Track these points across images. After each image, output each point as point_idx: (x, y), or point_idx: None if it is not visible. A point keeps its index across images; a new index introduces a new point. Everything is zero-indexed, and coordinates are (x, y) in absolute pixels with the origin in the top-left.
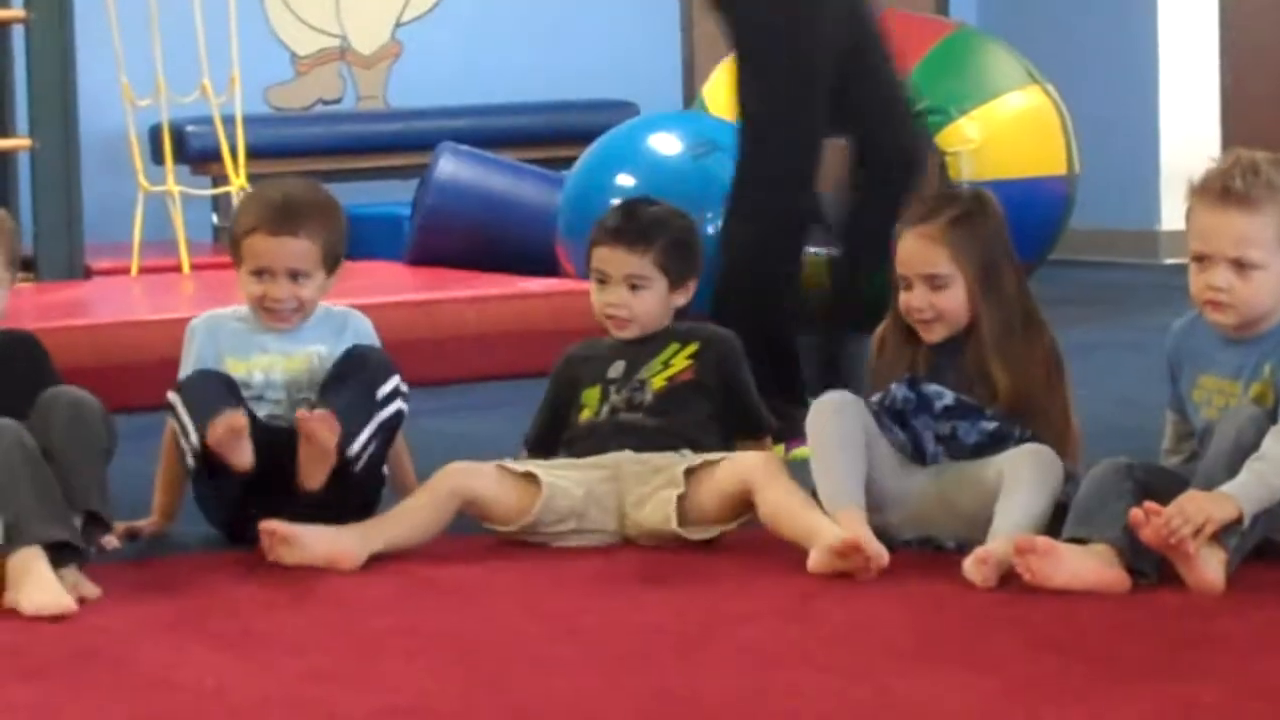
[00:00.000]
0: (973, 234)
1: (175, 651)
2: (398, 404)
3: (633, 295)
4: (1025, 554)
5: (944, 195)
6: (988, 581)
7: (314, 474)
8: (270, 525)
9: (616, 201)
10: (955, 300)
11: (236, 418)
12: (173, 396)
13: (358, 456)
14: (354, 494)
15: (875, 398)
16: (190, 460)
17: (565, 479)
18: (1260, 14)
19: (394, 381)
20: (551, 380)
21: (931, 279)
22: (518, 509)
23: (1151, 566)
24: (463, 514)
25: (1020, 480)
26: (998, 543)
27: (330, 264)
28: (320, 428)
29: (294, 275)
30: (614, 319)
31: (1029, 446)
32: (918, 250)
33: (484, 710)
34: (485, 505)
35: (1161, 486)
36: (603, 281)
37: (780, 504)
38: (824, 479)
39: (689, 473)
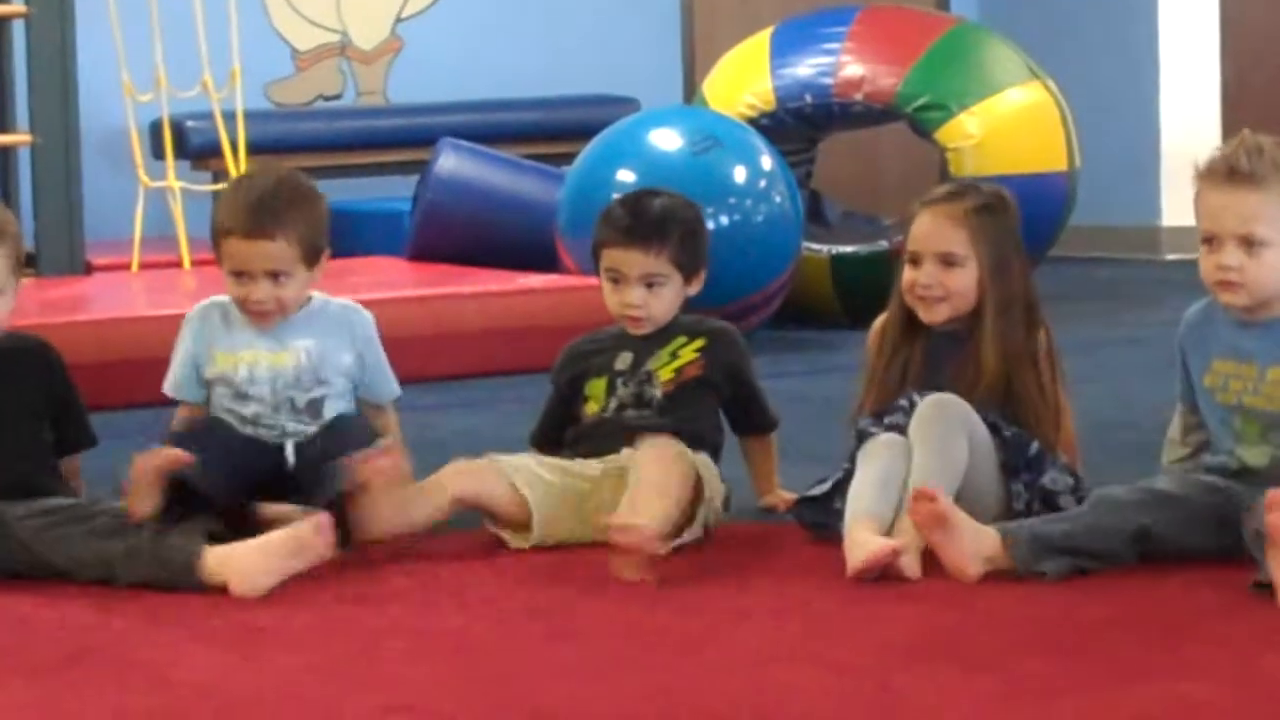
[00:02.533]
0: (992, 223)
1: (174, 649)
2: None
3: (649, 293)
4: (920, 500)
5: (969, 185)
6: (914, 572)
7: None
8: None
9: (618, 196)
10: (964, 282)
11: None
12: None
13: None
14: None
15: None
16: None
17: (557, 506)
18: (1261, 9)
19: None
20: (555, 376)
21: (945, 257)
22: (520, 516)
23: (1053, 571)
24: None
25: (921, 440)
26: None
27: (311, 259)
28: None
29: (273, 276)
30: (631, 318)
31: (926, 400)
32: (936, 228)
33: (483, 709)
34: (489, 507)
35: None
36: (616, 281)
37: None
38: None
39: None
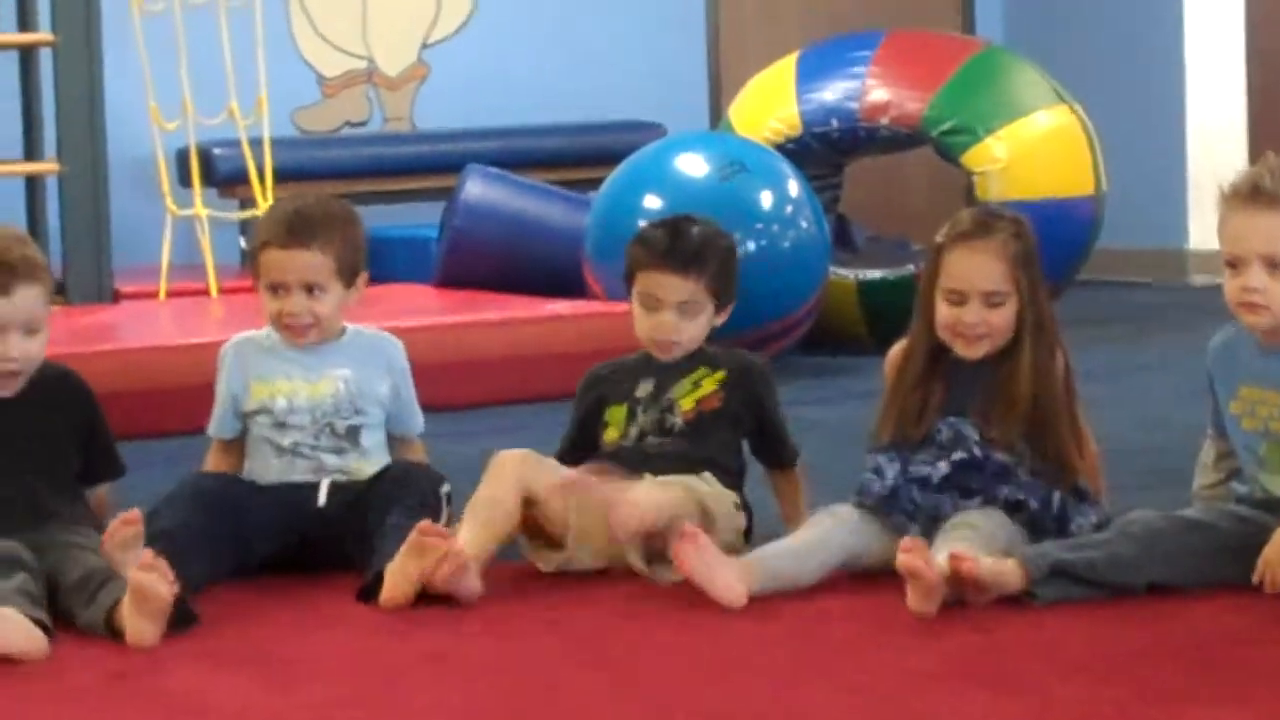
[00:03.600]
0: (1024, 253)
1: (205, 676)
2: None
3: (683, 320)
4: (956, 562)
5: (991, 213)
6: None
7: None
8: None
9: (644, 224)
10: (1008, 318)
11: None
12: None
13: None
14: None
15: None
16: None
17: (596, 518)
18: None
19: (445, 491)
20: (577, 401)
21: (990, 296)
22: (557, 527)
23: (1050, 594)
24: None
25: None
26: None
27: (347, 277)
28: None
29: (309, 289)
30: (662, 343)
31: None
32: (979, 267)
33: None
34: (537, 501)
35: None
36: (650, 305)
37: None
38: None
39: None
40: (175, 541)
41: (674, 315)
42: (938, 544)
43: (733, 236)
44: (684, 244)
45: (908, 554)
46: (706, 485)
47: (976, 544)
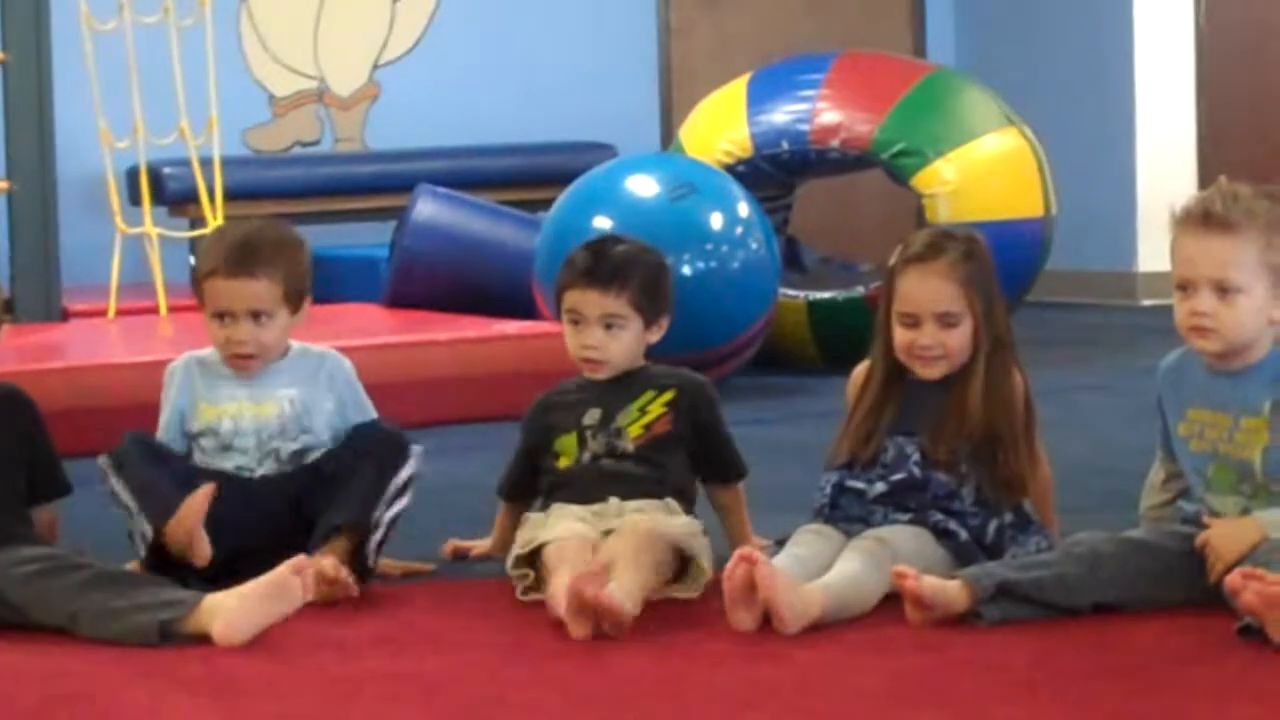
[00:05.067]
0: (977, 272)
1: (152, 696)
2: (406, 499)
3: (608, 336)
4: (900, 579)
5: (943, 234)
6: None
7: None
8: None
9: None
10: (964, 337)
11: (189, 517)
12: (106, 466)
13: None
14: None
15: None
16: (140, 548)
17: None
18: (1236, 56)
19: (409, 469)
20: (524, 428)
21: (943, 317)
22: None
23: (996, 614)
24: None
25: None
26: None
27: (294, 302)
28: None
29: (255, 316)
30: (590, 361)
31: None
32: (930, 289)
33: None
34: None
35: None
36: (577, 323)
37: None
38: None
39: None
40: None
41: (598, 331)
42: (845, 554)
43: (663, 254)
44: (605, 261)
45: (901, 579)
46: (672, 515)
47: (880, 556)
